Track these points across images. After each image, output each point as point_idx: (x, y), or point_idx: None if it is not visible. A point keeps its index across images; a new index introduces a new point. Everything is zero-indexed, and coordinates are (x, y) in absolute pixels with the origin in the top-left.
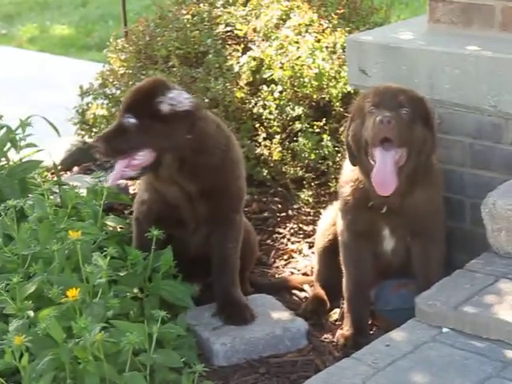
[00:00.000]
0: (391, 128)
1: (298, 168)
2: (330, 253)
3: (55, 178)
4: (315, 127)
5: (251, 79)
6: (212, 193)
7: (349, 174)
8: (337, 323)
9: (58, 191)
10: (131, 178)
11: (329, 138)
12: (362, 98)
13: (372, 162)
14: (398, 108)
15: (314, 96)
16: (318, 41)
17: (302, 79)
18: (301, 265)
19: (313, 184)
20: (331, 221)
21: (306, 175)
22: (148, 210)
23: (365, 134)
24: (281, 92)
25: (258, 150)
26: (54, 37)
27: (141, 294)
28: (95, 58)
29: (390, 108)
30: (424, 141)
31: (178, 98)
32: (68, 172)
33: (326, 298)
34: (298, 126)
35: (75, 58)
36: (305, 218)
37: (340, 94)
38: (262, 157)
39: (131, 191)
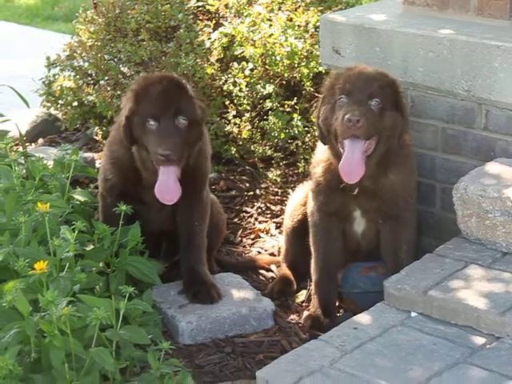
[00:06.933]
0: (359, 127)
1: (267, 147)
2: (298, 233)
3: (20, 149)
4: (285, 106)
5: (222, 56)
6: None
7: (321, 154)
8: (303, 304)
9: (23, 162)
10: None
11: (299, 117)
12: (333, 80)
13: (341, 150)
14: (368, 100)
15: (286, 75)
16: (291, 19)
17: (273, 57)
18: (268, 245)
19: (281, 164)
20: (300, 201)
21: (275, 154)
22: (111, 187)
23: (335, 123)
24: (252, 70)
25: (228, 128)
26: (20, 7)
27: (107, 269)
28: (61, 29)
29: (360, 100)
30: (394, 126)
31: None
32: (33, 144)
33: (292, 278)
34: (268, 104)
35: (41, 29)
36: (272, 197)
37: (311, 74)
38: (231, 135)
39: (98, 165)
